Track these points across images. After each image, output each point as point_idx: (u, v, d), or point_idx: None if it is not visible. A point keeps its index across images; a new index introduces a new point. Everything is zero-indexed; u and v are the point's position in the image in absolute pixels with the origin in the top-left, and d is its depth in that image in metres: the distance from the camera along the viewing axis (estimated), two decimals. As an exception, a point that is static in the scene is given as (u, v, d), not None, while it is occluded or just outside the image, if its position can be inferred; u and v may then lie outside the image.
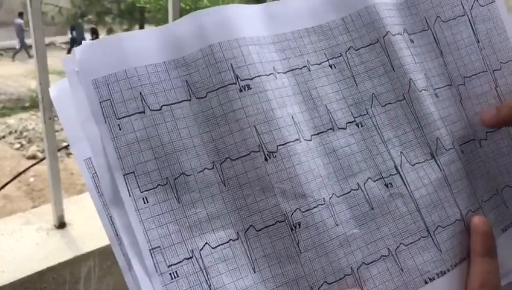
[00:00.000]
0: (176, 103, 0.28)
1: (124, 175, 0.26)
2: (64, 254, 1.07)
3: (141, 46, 0.28)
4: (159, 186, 0.26)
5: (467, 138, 0.33)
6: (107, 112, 0.26)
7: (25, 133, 4.20)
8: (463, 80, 0.34)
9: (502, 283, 0.30)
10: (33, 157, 3.63)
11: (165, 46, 0.28)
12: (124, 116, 0.27)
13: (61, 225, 1.13)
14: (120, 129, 0.26)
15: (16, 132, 4.32)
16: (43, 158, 1.20)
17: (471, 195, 0.32)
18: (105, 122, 0.26)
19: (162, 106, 0.27)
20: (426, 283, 0.29)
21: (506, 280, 0.32)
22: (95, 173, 0.27)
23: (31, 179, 3.02)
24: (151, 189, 0.26)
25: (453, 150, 0.32)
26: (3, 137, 4.18)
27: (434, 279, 0.29)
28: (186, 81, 0.28)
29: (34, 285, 1.02)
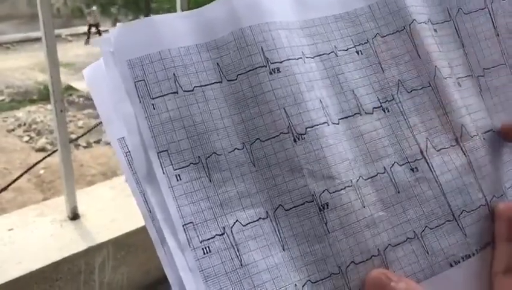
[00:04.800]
0: (208, 84, 0.28)
1: (157, 153, 0.26)
2: (79, 245, 1.08)
3: (174, 29, 0.28)
4: (191, 165, 0.27)
5: (487, 127, 0.33)
6: (142, 92, 0.27)
7: (33, 126, 4.22)
8: (482, 72, 0.35)
9: None
10: (42, 149, 3.65)
11: (197, 29, 0.29)
12: (158, 96, 0.27)
13: (74, 216, 1.15)
14: (154, 109, 0.27)
15: (24, 124, 4.34)
16: (55, 150, 1.21)
17: (495, 181, 0.32)
18: (140, 101, 0.27)
19: (194, 87, 0.28)
20: (451, 265, 0.29)
21: None
22: (128, 151, 0.28)
23: (41, 171, 3.04)
24: (184, 167, 0.27)
25: (477, 137, 0.32)
26: (13, 130, 4.21)
27: (459, 262, 0.29)
28: (217, 63, 0.28)
29: (50, 275, 1.03)
